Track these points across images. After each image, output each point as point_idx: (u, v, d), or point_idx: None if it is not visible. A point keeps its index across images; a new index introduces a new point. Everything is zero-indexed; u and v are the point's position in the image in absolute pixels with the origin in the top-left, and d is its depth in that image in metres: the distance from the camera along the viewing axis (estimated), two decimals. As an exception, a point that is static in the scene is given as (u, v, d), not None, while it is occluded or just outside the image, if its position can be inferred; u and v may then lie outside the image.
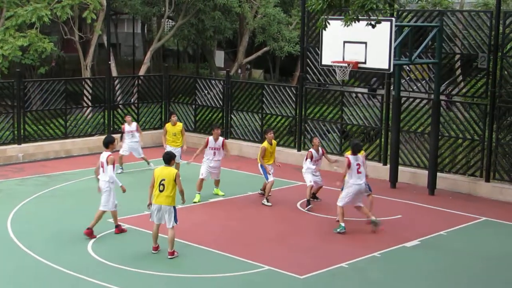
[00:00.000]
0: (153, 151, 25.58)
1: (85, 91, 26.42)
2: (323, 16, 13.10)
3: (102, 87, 26.45)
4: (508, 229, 17.28)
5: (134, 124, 22.75)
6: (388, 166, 21.53)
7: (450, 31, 21.12)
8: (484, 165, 20.31)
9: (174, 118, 21.65)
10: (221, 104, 26.29)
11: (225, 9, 32.88)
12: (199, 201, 18.78)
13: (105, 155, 15.66)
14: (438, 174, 20.50)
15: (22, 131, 23.78)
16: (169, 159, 14.60)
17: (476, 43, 20.66)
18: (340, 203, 16.38)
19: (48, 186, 20.10)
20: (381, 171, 22.00)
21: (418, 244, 15.84)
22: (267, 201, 18.73)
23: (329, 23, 12.93)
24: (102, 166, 15.67)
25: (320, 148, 19.03)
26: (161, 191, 14.34)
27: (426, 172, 20.67)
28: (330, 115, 23.73)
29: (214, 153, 19.18)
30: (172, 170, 14.48)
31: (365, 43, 18.46)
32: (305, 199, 18.45)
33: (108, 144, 15.88)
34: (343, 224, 16.35)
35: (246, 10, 33.11)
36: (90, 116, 26.85)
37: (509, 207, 19.14)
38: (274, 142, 19.37)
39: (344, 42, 18.79)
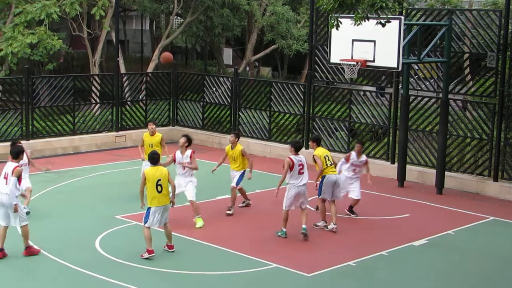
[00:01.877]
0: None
1: (93, 88, 26.45)
2: (334, 15, 13.09)
3: (110, 83, 26.49)
4: (516, 229, 17.29)
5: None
6: (396, 164, 21.51)
7: (459, 30, 21.07)
8: (492, 164, 20.27)
9: (151, 126, 19.09)
10: (229, 101, 26.29)
11: (234, 7, 32.86)
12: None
13: (11, 165, 13.89)
14: (446, 173, 20.47)
15: (30, 127, 23.83)
16: (157, 159, 14.57)
17: (485, 42, 20.60)
18: (283, 206, 15.65)
19: (56, 182, 20.14)
20: (389, 169, 21.98)
21: (425, 243, 15.83)
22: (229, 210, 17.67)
23: (341, 23, 12.91)
24: (6, 178, 13.81)
25: (364, 156, 17.78)
26: (159, 192, 14.22)
27: (434, 171, 20.64)
28: (338, 114, 23.70)
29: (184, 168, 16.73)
30: (164, 169, 14.47)
31: (374, 41, 18.45)
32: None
33: (19, 154, 14.17)
34: (284, 229, 15.73)
35: (255, 7, 33.07)
36: (98, 112, 26.89)
37: (517, 206, 19.15)
38: (238, 146, 17.64)
39: (353, 40, 18.77)
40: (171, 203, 14.59)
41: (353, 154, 17.66)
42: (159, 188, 14.21)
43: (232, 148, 17.76)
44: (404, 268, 14.31)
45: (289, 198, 15.51)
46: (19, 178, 13.86)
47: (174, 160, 16.73)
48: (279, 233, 15.66)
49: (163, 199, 14.31)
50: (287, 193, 15.54)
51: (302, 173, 15.42)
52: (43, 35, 26.56)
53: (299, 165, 15.36)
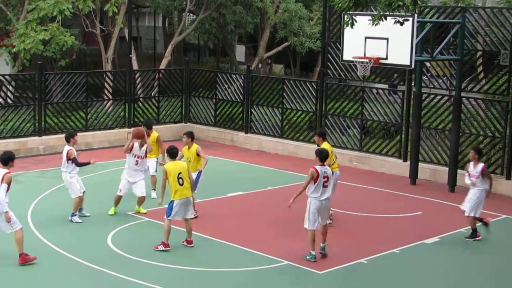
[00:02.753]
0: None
1: (105, 84, 26.53)
2: (349, 13, 13.10)
3: (123, 80, 26.56)
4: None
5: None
6: (408, 162, 21.47)
7: (472, 28, 21.01)
8: (505, 162, 20.19)
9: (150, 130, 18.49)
10: (242, 98, 26.31)
11: (246, 4, 32.87)
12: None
13: (1, 172, 13.34)
14: (459, 171, 20.40)
15: (43, 123, 23.93)
16: (176, 153, 14.86)
17: (498, 40, 20.53)
18: (305, 225, 14.15)
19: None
20: (401, 167, 21.94)
21: (437, 241, 15.81)
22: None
23: (356, 21, 12.92)
24: None
25: (481, 164, 15.98)
26: (181, 185, 14.44)
27: (447, 169, 20.59)
28: (350, 111, 23.67)
29: (137, 162, 17.06)
30: (183, 163, 14.91)
31: (387, 39, 18.42)
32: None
33: (8, 161, 13.53)
34: (313, 252, 14.14)
35: (268, 4, 33.09)
36: (110, 109, 26.97)
37: (530, 205, 19.08)
38: (193, 146, 16.81)
39: (366, 37, 18.75)
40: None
41: (471, 164, 16.07)
42: (180, 181, 14.44)
43: (188, 149, 16.82)
44: (416, 266, 14.30)
45: (311, 214, 14.02)
46: (8, 185, 13.30)
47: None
48: (308, 257, 14.07)
49: (185, 192, 14.53)
50: (309, 209, 14.04)
51: (327, 186, 13.99)
52: (56, 32, 26.63)
53: (324, 177, 13.91)
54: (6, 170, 13.38)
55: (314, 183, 13.89)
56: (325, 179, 13.90)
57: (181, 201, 14.50)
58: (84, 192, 16.50)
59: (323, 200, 14.01)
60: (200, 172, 16.87)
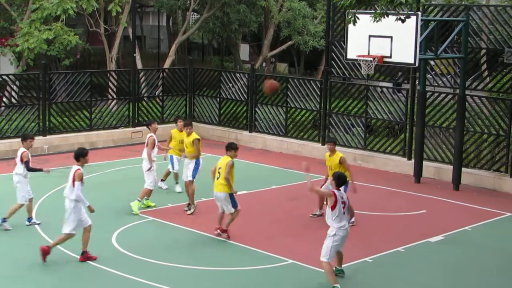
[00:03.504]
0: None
1: (110, 84, 26.58)
2: (352, 11, 13.09)
3: (127, 79, 26.58)
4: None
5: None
6: (413, 161, 21.46)
7: (476, 26, 21.00)
8: (509, 160, 20.18)
9: (181, 123, 18.80)
10: (246, 97, 26.32)
11: (250, 3, 32.86)
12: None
13: (73, 169, 14.03)
14: (463, 169, 20.41)
15: (47, 123, 23.96)
16: (231, 147, 15.25)
17: (502, 38, 20.52)
18: (324, 257, 12.73)
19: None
20: (406, 166, 21.94)
21: (442, 239, 15.81)
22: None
23: (358, 18, 12.92)
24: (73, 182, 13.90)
25: None
26: (217, 179, 14.98)
27: (451, 167, 20.59)
28: (354, 109, 23.67)
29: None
30: (226, 158, 15.09)
31: (391, 37, 18.44)
32: None
33: (79, 157, 14.10)
34: (338, 285, 12.61)
35: (271, 3, 33.06)
36: (114, 108, 27.01)
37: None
38: (193, 135, 17.49)
39: (370, 36, 18.77)
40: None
41: None
42: (217, 175, 15.05)
43: (187, 136, 17.43)
44: (421, 264, 14.29)
45: (334, 245, 12.67)
46: (81, 181, 13.89)
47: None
48: None
49: (217, 186, 15.09)
50: (332, 241, 12.60)
51: (345, 213, 12.78)
52: (60, 31, 26.67)
53: (342, 202, 12.66)
54: (77, 167, 13.94)
55: (332, 209, 12.56)
56: (343, 205, 12.67)
57: (214, 193, 15.15)
58: (31, 199, 16.09)
59: (347, 228, 12.85)
60: (198, 161, 17.34)
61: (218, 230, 15.32)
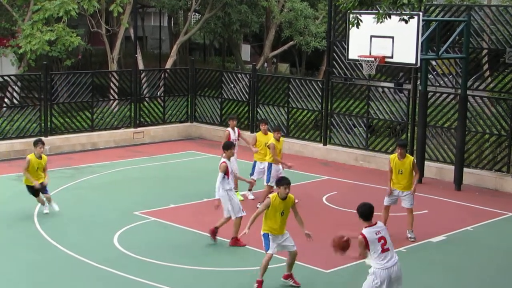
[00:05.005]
0: (180, 144, 25.75)
1: (111, 84, 26.59)
2: (354, 11, 13.10)
3: (129, 80, 26.60)
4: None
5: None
6: (415, 161, 21.43)
7: (477, 26, 21.01)
8: (511, 160, 20.18)
9: (265, 126, 18.77)
10: (247, 98, 26.33)
11: (252, 3, 32.90)
12: None
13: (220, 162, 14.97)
14: (465, 169, 20.41)
15: (49, 123, 23.97)
16: (277, 183, 12.81)
17: (504, 38, 20.52)
18: None
19: (74, 178, 20.26)
20: (407, 166, 21.93)
21: (444, 239, 15.81)
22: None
23: (361, 21, 12.92)
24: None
25: None
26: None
27: (453, 167, 20.58)
28: (356, 110, 23.68)
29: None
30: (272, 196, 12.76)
31: (392, 37, 18.45)
32: None
33: (224, 149, 15.11)
34: None
35: (273, 4, 33.10)
36: (116, 109, 27.02)
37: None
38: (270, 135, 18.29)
39: (371, 36, 18.79)
40: None
41: None
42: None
43: (265, 135, 18.41)
44: (422, 265, 14.30)
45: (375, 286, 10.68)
46: (225, 173, 14.71)
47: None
48: None
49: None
50: (372, 282, 10.66)
51: (388, 249, 10.67)
52: (62, 32, 26.71)
53: (380, 239, 10.62)
54: (222, 160, 14.90)
55: (369, 250, 10.60)
56: (383, 241, 10.62)
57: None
58: None
59: (391, 267, 10.66)
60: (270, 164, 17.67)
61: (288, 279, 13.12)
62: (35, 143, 16.34)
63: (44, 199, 16.61)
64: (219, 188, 14.85)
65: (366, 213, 10.74)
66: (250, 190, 18.69)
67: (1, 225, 15.85)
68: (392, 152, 22.60)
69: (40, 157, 16.23)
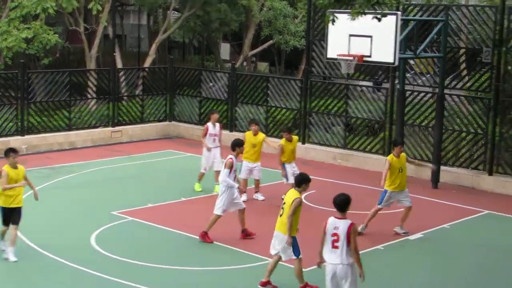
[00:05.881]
0: (158, 143, 25.71)
1: (89, 83, 26.49)
2: (330, 11, 13.16)
3: (107, 78, 26.49)
4: (509, 222, 17.37)
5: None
6: (392, 159, 21.55)
7: (455, 26, 21.15)
8: (487, 158, 20.37)
9: (255, 127, 18.72)
10: (226, 96, 26.34)
11: (231, 1, 32.84)
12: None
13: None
14: (442, 167, 20.55)
15: (25, 122, 23.80)
16: (299, 181, 12.49)
17: (480, 37, 20.68)
18: None
19: (51, 178, 20.15)
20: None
21: (421, 237, 15.93)
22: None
23: (337, 18, 12.97)
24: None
25: None
26: (280, 215, 12.55)
27: (430, 165, 20.70)
28: (334, 108, 23.76)
29: (214, 140, 19.10)
30: (295, 194, 12.35)
31: (371, 36, 18.52)
32: None
33: (234, 147, 15.33)
34: None
35: (252, 2, 33.08)
36: (94, 108, 26.90)
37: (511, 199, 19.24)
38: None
39: (350, 35, 18.85)
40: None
41: None
42: (281, 211, 12.62)
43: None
44: (399, 262, 14.41)
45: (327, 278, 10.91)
46: (230, 169, 14.94)
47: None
48: None
49: (277, 225, 12.77)
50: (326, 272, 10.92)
51: (337, 247, 10.63)
52: (39, 30, 26.57)
53: (334, 234, 10.66)
54: (229, 156, 15.09)
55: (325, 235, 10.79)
56: (335, 238, 10.61)
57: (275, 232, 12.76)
58: None
59: (336, 265, 10.68)
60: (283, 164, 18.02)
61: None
62: (6, 153, 14.02)
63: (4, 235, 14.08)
64: (224, 182, 14.99)
65: (338, 203, 10.88)
66: (257, 192, 18.70)
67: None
68: (370, 151, 22.76)
69: (16, 167, 13.89)
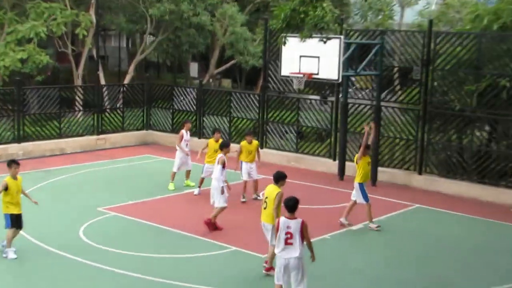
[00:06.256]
0: (137, 149, 25.57)
1: (77, 97, 26.26)
2: (283, 34, 13.24)
3: (92, 93, 26.30)
4: (436, 214, 17.58)
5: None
6: (337, 161, 21.72)
7: (389, 48, 21.35)
8: (417, 160, 20.58)
9: (218, 135, 18.62)
10: (195, 108, 26.29)
11: (199, 27, 32.79)
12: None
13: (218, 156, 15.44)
14: (379, 168, 20.74)
15: (21, 131, 23.50)
16: (277, 178, 12.49)
17: (411, 58, 20.90)
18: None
19: (45, 179, 19.92)
20: (331, 166, 22.18)
21: (361, 228, 16.06)
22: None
23: (288, 40, 13.06)
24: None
25: None
26: (264, 208, 12.55)
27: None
28: (288, 119, 23.85)
29: (187, 145, 19.31)
30: (276, 189, 12.37)
31: (318, 57, 18.62)
32: None
33: (223, 147, 15.53)
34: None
35: (217, 28, 33.10)
36: (81, 118, 26.67)
37: (438, 195, 19.46)
38: (255, 142, 18.46)
39: (300, 56, 18.93)
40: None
41: None
42: (264, 204, 12.57)
43: (249, 143, 18.16)
44: (345, 249, 14.51)
45: (277, 272, 10.90)
46: (223, 166, 15.05)
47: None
48: None
49: (262, 216, 12.70)
50: (276, 266, 10.97)
51: (291, 243, 10.54)
52: (32, 52, 26.32)
53: (287, 233, 10.54)
54: (220, 155, 15.28)
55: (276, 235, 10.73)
56: (289, 236, 10.52)
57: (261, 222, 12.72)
58: None
59: (288, 259, 10.56)
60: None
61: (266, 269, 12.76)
62: (9, 164, 13.38)
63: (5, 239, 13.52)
64: (217, 179, 15.07)
65: (290, 205, 10.72)
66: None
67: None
68: (319, 155, 22.88)
69: (15, 178, 13.32)
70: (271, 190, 12.43)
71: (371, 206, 16.09)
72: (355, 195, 16.05)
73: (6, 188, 13.11)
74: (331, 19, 12.40)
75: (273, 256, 12.10)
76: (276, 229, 10.69)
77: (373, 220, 16.17)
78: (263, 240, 12.97)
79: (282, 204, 11.15)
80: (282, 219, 10.63)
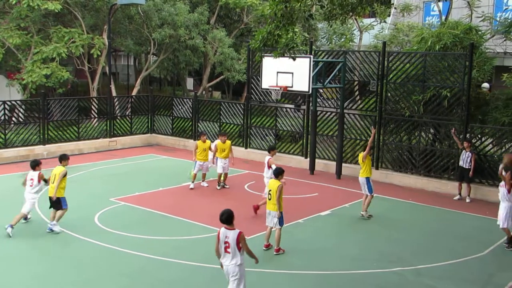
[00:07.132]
0: (142, 149, 25.35)
1: (92, 106, 25.98)
2: (259, 53, 13.16)
3: (105, 103, 26.04)
4: (391, 202, 17.56)
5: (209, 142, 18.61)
6: (308, 159, 21.66)
7: (351, 65, 21.35)
8: (374, 157, 20.58)
9: (204, 137, 18.37)
10: (191, 115, 26.12)
11: (194, 48, 32.62)
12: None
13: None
14: (343, 164, 20.69)
15: (46, 135, 23.24)
16: (277, 173, 12.46)
17: (368, 73, 20.92)
18: None
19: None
20: (303, 162, 22.12)
21: (329, 213, 15.98)
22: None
23: (263, 57, 12.95)
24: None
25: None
26: (269, 200, 12.50)
27: (335, 163, 20.87)
28: (267, 124, 23.76)
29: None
30: (277, 183, 12.35)
31: (292, 73, 18.57)
32: None
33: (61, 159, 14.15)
34: None
35: (209, 49, 32.93)
36: (96, 124, 26.43)
37: (392, 187, 19.44)
38: (228, 143, 18.27)
39: (277, 72, 18.88)
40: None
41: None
42: (269, 196, 12.42)
43: (223, 143, 18.07)
44: (316, 231, 14.42)
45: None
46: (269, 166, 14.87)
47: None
48: None
49: (269, 206, 12.54)
50: None
51: (228, 252, 9.37)
52: (55, 69, 26.02)
53: (225, 242, 9.38)
54: (269, 157, 15.34)
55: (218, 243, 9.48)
56: (227, 245, 9.36)
57: (267, 211, 12.66)
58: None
59: (227, 266, 9.41)
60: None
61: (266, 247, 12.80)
62: (64, 158, 14.09)
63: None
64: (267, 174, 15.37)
65: (223, 219, 9.40)
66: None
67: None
68: (293, 153, 22.78)
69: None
70: (273, 184, 12.33)
71: (372, 198, 15.56)
72: (363, 189, 15.43)
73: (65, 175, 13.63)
74: (300, 41, 12.33)
75: (269, 234, 12.46)
76: (217, 238, 9.42)
77: (346, 205, 16.08)
78: (251, 224, 12.81)
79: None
80: (222, 229, 9.38)
